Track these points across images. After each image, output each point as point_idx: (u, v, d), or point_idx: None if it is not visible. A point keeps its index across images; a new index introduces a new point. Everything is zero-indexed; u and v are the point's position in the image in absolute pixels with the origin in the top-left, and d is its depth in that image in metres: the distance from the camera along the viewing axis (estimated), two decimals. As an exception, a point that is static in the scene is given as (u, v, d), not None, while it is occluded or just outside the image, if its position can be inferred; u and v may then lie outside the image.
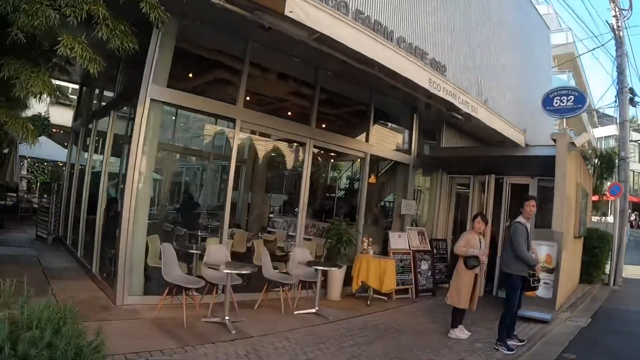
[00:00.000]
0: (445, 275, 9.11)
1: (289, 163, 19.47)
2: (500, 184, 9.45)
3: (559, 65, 22.44)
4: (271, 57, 7.18)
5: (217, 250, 6.04)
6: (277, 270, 6.75)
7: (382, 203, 14.12)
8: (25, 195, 16.50)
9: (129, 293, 5.81)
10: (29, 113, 8.28)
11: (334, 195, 16.47)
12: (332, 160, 16.80)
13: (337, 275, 7.32)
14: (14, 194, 15.10)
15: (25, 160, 16.07)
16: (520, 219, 5.68)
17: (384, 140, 11.39)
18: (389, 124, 11.19)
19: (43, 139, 15.14)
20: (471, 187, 9.93)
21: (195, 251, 6.38)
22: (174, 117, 13.92)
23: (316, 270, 6.35)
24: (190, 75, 8.23)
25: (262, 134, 11.07)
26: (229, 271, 5.25)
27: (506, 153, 9.17)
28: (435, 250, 8.96)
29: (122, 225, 5.76)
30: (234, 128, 6.59)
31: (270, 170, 16.51)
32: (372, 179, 14.21)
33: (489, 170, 9.51)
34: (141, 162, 5.84)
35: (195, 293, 5.65)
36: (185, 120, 16.31)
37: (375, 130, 12.82)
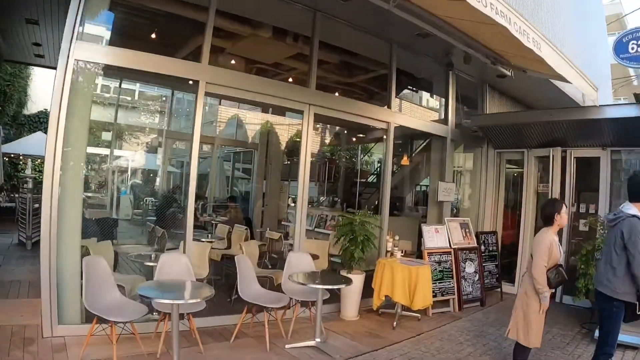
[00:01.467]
0: (497, 278, 7.07)
1: (316, 147, 17.71)
2: (562, 159, 7.28)
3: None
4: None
5: (171, 263, 4.32)
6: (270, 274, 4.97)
7: (416, 189, 12.10)
8: (31, 195, 15.59)
9: (59, 321, 4.25)
10: None
11: (362, 181, 14.52)
12: (354, 139, 14.78)
13: (351, 287, 5.48)
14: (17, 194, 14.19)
15: (30, 159, 15.22)
16: (631, 208, 3.56)
17: (413, 116, 9.36)
18: (418, 90, 9.11)
19: (41, 134, 14.18)
20: (525, 164, 7.76)
21: (152, 263, 4.69)
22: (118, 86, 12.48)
23: (319, 289, 4.48)
24: (136, 30, 6.59)
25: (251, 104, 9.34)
26: (171, 301, 3.51)
27: (575, 117, 6.92)
28: (483, 247, 6.90)
29: (42, 230, 4.15)
30: (196, 92, 4.81)
31: (288, 155, 14.86)
32: (405, 160, 12.13)
33: (550, 141, 7.33)
34: (62, 145, 4.19)
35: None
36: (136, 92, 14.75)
37: (404, 104, 10.86)
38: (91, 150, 12.62)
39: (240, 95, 5.26)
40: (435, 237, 6.20)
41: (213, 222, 10.72)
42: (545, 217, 3.82)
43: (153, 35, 6.80)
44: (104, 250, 5.35)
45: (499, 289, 7.10)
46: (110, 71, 5.52)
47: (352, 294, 5.47)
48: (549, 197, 7.23)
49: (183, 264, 4.43)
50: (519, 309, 3.94)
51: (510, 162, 8.52)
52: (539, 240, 3.77)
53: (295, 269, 4.95)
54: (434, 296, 5.91)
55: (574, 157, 7.29)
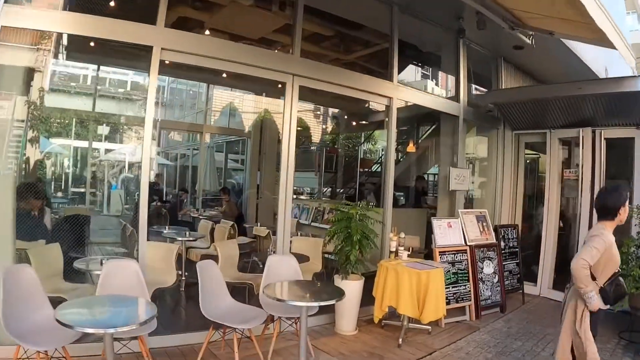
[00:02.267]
0: (518, 278, 6.11)
1: (316, 134, 16.70)
2: (591, 141, 6.31)
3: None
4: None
5: (117, 271, 3.40)
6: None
7: (425, 177, 11.11)
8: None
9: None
10: None
11: (365, 170, 13.59)
12: (356, 124, 13.79)
13: (347, 297, 4.56)
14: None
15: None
16: None
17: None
18: (423, 66, 8.11)
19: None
20: (548, 147, 6.77)
21: (97, 271, 3.76)
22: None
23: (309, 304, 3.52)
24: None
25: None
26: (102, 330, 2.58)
27: (610, 89, 5.89)
28: (502, 243, 5.93)
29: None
30: (149, 61, 3.84)
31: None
32: (411, 147, 11.15)
33: (576, 121, 6.33)
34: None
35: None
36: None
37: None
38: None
39: (208, 64, 4.27)
40: (448, 232, 5.24)
41: (200, 217, 9.89)
42: (606, 209, 2.85)
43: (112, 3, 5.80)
44: (49, 255, 4.44)
45: (520, 291, 6.15)
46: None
47: (348, 304, 4.53)
48: (578, 184, 6.26)
49: (132, 272, 3.50)
50: (567, 328, 2.98)
51: (530, 147, 7.54)
52: (596, 236, 2.81)
53: (276, 277, 4.00)
54: (448, 303, 4.96)
55: (604, 138, 6.30)
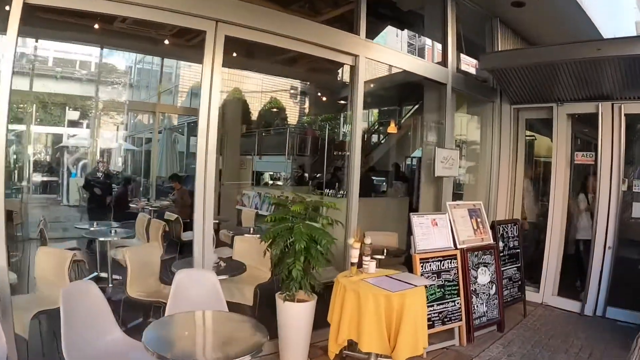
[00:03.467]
0: (519, 286, 4.92)
1: (292, 116, 15.55)
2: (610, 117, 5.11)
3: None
4: None
5: None
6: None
7: (407, 162, 9.97)
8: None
9: None
10: None
11: (340, 153, 12.40)
12: (330, 103, 12.61)
13: (293, 322, 3.31)
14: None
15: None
16: None
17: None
18: (403, 28, 6.81)
19: None
20: (555, 124, 5.54)
21: None
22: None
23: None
24: None
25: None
26: None
27: (634, 51, 4.69)
28: (501, 244, 4.72)
29: None
30: None
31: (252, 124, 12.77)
32: (392, 128, 9.99)
33: (591, 93, 5.12)
34: None
35: None
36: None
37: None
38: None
39: (77, 6, 2.90)
40: (432, 232, 3.98)
41: (147, 208, 8.57)
42: None
43: None
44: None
45: (521, 302, 4.97)
46: None
47: (294, 334, 3.28)
48: (596, 170, 5.06)
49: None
50: None
51: (532, 122, 6.31)
52: None
53: (185, 303, 2.72)
54: (430, 326, 3.75)
55: (623, 114, 5.10)
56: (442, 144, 4.92)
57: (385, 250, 4.61)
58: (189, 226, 6.95)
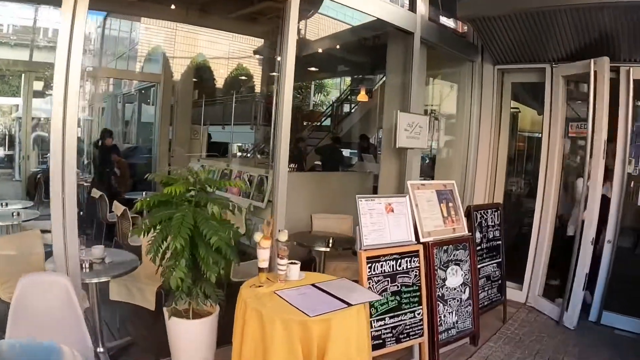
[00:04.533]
0: (499, 285, 3.98)
1: (260, 82, 14.64)
2: (612, 83, 4.07)
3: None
4: None
5: None
6: None
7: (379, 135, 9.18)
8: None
9: None
10: None
11: (307, 124, 11.54)
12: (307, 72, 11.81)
13: (182, 347, 2.29)
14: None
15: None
16: None
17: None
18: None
19: None
20: (548, 89, 4.54)
21: None
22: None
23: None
24: None
25: None
26: None
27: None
28: (479, 234, 3.73)
29: None
30: None
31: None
32: (362, 96, 9.08)
33: (591, 49, 4.11)
34: None
35: None
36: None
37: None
38: None
39: None
40: (386, 221, 2.95)
41: (85, 184, 7.51)
42: None
43: None
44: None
45: (501, 305, 4.04)
46: None
47: (189, 355, 2.26)
48: (588, 146, 4.06)
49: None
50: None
51: (520, 86, 5.34)
52: None
53: (29, 321, 1.69)
54: (380, 345, 2.79)
55: (633, 80, 4.12)
56: (405, 106, 3.87)
57: (331, 240, 3.60)
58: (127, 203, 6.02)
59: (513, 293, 4.59)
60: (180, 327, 2.47)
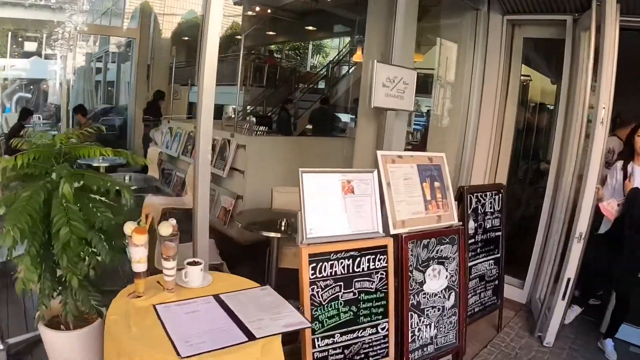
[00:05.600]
0: (495, 286, 3.21)
1: (253, 41, 13.87)
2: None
3: None
4: None
5: None
6: None
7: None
8: None
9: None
10: None
11: (301, 86, 10.89)
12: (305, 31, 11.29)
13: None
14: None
15: None
16: None
17: None
18: None
19: None
20: (568, 47, 3.63)
21: None
22: None
23: None
24: None
25: None
26: None
27: None
28: (473, 224, 2.93)
29: None
30: None
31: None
32: (358, 56, 8.28)
33: None
34: None
35: None
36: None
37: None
38: None
39: None
40: (341, 205, 2.15)
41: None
42: None
43: None
44: None
45: (497, 309, 3.28)
46: None
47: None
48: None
49: None
50: None
51: (528, 60, 4.48)
52: None
53: None
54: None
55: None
56: (387, 56, 3.00)
57: (284, 223, 2.83)
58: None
59: (512, 291, 3.85)
60: (50, 338, 1.74)
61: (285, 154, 4.73)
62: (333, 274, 2.10)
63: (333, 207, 2.13)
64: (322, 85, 11.66)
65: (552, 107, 4.83)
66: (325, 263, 2.08)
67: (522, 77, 4.47)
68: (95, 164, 5.79)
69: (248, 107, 10.71)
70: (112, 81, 11.72)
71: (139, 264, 1.64)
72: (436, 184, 2.58)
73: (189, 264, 1.87)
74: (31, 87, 14.99)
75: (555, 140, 3.74)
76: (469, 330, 3.02)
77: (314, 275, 2.06)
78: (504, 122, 4.17)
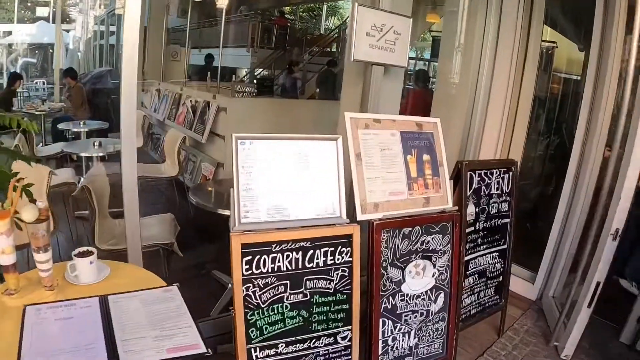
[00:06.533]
0: (498, 285, 2.68)
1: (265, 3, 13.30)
2: None
3: None
4: None
5: None
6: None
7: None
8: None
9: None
10: None
11: (310, 49, 10.40)
12: None
13: None
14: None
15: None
16: None
17: None
18: None
19: None
20: (601, 2, 2.95)
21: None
22: None
23: None
24: None
25: None
26: None
27: None
28: (474, 209, 2.40)
29: None
30: None
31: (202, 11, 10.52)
32: None
33: None
34: None
35: None
36: None
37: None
38: None
39: None
40: (289, 183, 1.65)
41: (36, 112, 6.61)
42: None
43: None
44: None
45: (499, 310, 2.77)
46: None
47: None
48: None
49: None
50: None
51: (550, 21, 3.80)
52: None
53: None
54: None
55: None
56: (377, 2, 2.42)
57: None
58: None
59: (521, 285, 3.34)
60: None
61: (270, 117, 4.23)
62: (276, 269, 1.62)
63: (279, 184, 1.62)
64: (335, 48, 11.00)
65: (579, 78, 4.18)
66: (265, 256, 1.59)
67: (546, 44, 3.84)
68: (74, 129, 5.42)
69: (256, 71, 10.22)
70: (113, 44, 11.31)
71: (4, 256, 1.22)
72: (425, 157, 2.04)
73: (78, 255, 1.43)
74: (36, 51, 14.71)
75: (581, 114, 3.12)
76: (464, 335, 2.54)
77: (250, 272, 1.58)
78: (520, 91, 3.55)
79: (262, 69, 10.39)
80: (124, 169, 1.97)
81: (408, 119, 2.02)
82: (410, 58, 2.68)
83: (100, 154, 3.92)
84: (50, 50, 15.08)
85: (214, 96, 4.39)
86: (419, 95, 5.08)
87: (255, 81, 8.20)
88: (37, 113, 6.58)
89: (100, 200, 2.55)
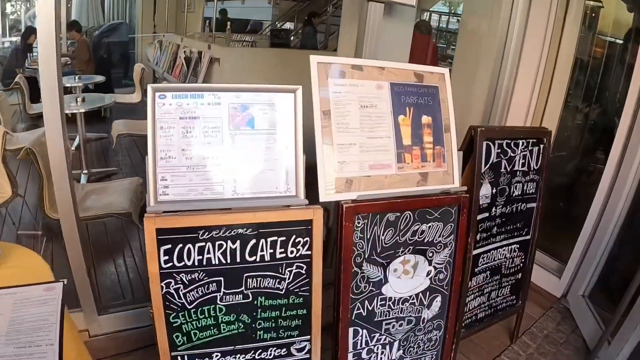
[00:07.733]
0: (516, 282, 2.21)
1: None
2: None
3: None
4: None
5: None
6: None
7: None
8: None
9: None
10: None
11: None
12: None
13: None
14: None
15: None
16: None
17: None
18: None
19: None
20: None
21: None
22: None
23: None
24: None
25: None
26: None
27: None
28: (490, 189, 1.91)
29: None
30: None
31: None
32: None
33: None
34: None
35: None
36: None
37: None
38: None
39: None
40: (226, 150, 1.22)
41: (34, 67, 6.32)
42: None
43: None
44: None
45: (515, 313, 2.31)
46: None
47: None
48: None
49: None
50: None
51: None
52: None
53: None
54: None
55: None
56: None
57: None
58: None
59: (545, 278, 2.86)
60: None
61: (266, 68, 3.78)
62: (205, 263, 1.21)
63: (211, 151, 1.19)
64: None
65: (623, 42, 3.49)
66: (190, 245, 1.18)
67: (591, 2, 3.18)
68: (67, 84, 5.11)
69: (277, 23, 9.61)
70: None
71: None
72: (425, 118, 1.56)
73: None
74: (57, 5, 14.52)
75: (633, 81, 2.50)
76: (469, 339, 2.11)
77: (170, 264, 1.18)
78: (558, 53, 2.94)
79: (283, 22, 9.75)
80: (47, 126, 1.59)
81: (404, 67, 1.52)
82: (442, 13, 2.15)
83: (82, 111, 3.58)
84: (69, 5, 14.84)
85: (208, 46, 3.96)
86: (418, 40, 4.34)
87: (269, 33, 7.64)
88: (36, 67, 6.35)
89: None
